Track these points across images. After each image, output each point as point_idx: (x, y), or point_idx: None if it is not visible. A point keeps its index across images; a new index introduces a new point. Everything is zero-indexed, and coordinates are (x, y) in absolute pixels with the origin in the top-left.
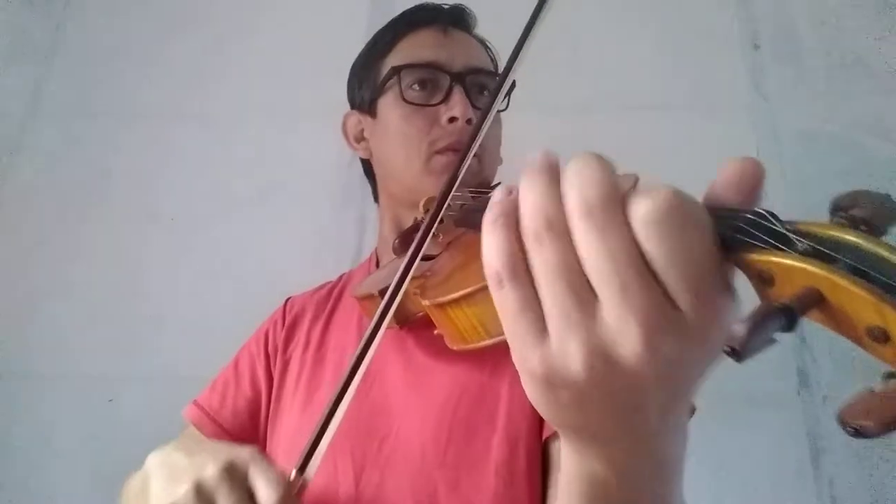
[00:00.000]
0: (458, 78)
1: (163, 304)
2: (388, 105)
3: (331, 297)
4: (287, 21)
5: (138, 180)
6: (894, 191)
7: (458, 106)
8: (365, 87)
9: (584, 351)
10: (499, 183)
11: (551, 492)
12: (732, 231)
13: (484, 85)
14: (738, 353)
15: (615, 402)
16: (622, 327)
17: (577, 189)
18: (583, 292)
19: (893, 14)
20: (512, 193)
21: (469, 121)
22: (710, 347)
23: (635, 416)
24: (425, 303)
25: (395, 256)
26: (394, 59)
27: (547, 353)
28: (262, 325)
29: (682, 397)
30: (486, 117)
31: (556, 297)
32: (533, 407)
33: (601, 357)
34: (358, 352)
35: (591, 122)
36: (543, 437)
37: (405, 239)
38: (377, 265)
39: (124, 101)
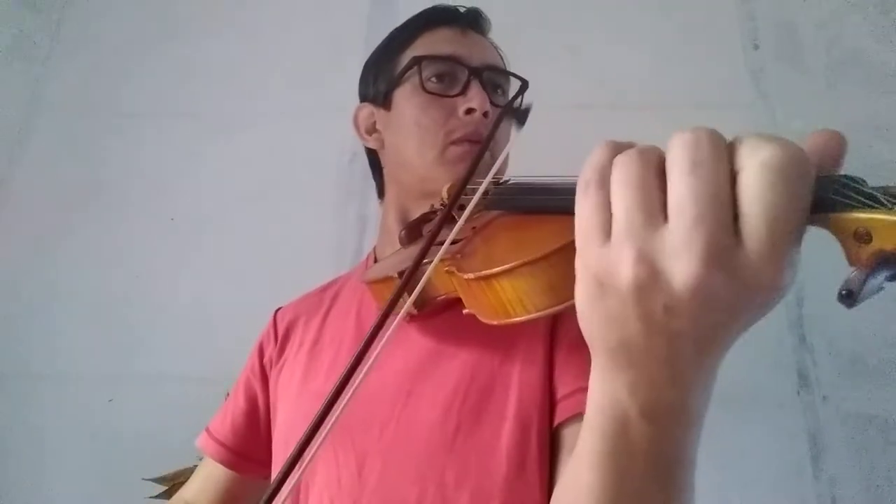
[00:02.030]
0: (476, 72)
1: (163, 304)
2: (405, 96)
3: (325, 297)
4: (287, 21)
5: (138, 180)
6: None
7: (476, 98)
8: (381, 80)
9: (634, 256)
10: (508, 179)
11: (561, 470)
12: (833, 192)
13: (499, 83)
14: (852, 296)
15: (652, 321)
16: (682, 251)
17: (689, 132)
18: (652, 209)
19: (893, 14)
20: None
21: (486, 114)
22: (758, 299)
23: (670, 344)
24: (468, 276)
25: (399, 247)
26: (413, 52)
27: (604, 253)
28: (255, 341)
29: (717, 342)
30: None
31: (625, 204)
32: (544, 395)
33: (649, 267)
34: (376, 321)
35: (592, 121)
36: (555, 424)
37: (412, 229)
38: (375, 261)
39: (124, 100)
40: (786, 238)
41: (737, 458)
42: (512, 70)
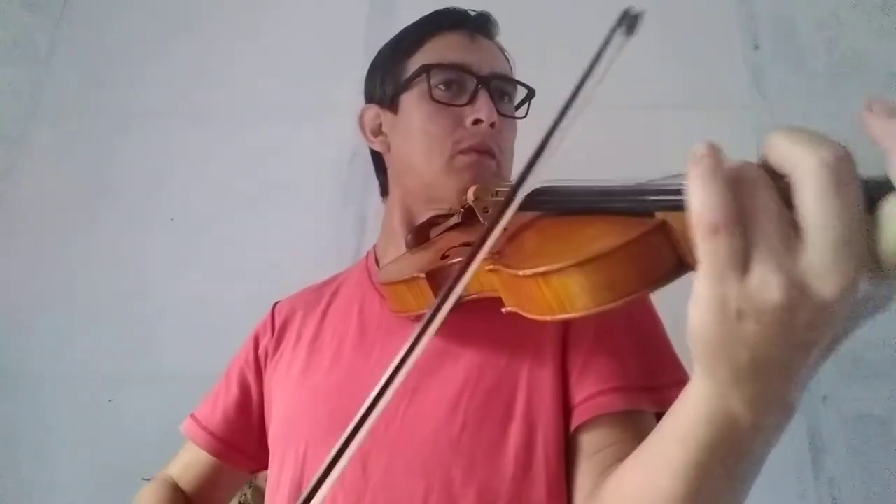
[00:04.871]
0: (485, 81)
1: (163, 304)
2: (413, 102)
3: (324, 293)
4: (287, 21)
5: (138, 180)
6: None
7: (483, 109)
8: (388, 83)
9: (784, 283)
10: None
11: (579, 477)
12: None
13: (506, 91)
14: None
15: (792, 336)
16: (830, 270)
17: (829, 149)
18: (788, 233)
19: (893, 14)
20: (716, 148)
21: (493, 124)
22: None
23: (802, 355)
24: (524, 272)
25: (403, 250)
26: (422, 58)
27: (746, 287)
28: (250, 332)
29: (841, 342)
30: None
31: (766, 235)
32: (553, 398)
33: (799, 289)
34: (416, 333)
35: (591, 121)
36: (573, 426)
37: (419, 233)
38: (376, 262)
39: (124, 101)
40: None
41: None
42: (514, 69)
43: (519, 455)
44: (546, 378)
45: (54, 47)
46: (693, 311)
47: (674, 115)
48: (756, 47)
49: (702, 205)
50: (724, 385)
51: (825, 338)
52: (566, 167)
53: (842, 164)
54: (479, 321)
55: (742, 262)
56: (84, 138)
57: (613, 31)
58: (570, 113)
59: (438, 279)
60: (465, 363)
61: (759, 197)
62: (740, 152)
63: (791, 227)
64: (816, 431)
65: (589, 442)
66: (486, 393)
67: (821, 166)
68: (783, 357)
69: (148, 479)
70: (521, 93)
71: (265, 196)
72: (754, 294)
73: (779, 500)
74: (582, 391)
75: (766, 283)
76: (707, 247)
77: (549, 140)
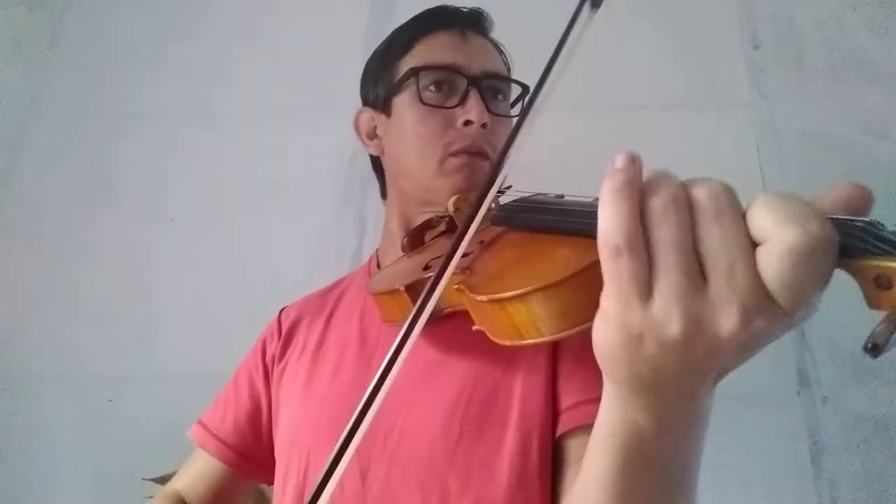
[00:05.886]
0: (475, 81)
1: (163, 304)
2: (404, 105)
3: (329, 299)
4: (287, 21)
5: (138, 180)
6: (893, 190)
7: (474, 110)
8: (380, 86)
9: (684, 317)
10: (510, 186)
11: (564, 484)
12: (855, 239)
13: (499, 89)
14: (879, 349)
15: (691, 362)
16: (723, 305)
17: (706, 184)
18: (693, 267)
19: (893, 14)
20: (635, 163)
21: (484, 125)
22: (791, 326)
23: (700, 374)
24: (480, 298)
25: (402, 253)
26: (411, 60)
27: (649, 315)
28: (258, 338)
29: (743, 361)
30: (517, 132)
31: (670, 267)
32: (546, 404)
33: (697, 325)
34: (394, 347)
35: (592, 121)
36: (558, 434)
37: (414, 237)
38: (378, 265)
39: (124, 101)
40: (810, 298)
41: (737, 458)
42: (512, 65)
43: (514, 463)
44: (539, 384)
45: (54, 47)
46: (598, 324)
47: (674, 115)
48: (756, 47)
49: (606, 224)
50: (625, 392)
51: (724, 363)
52: (566, 167)
53: (720, 196)
54: (476, 333)
55: (645, 289)
56: (84, 138)
57: (580, 6)
58: (534, 113)
59: (418, 291)
60: (460, 373)
61: (667, 227)
62: (740, 152)
63: (697, 261)
64: (816, 431)
65: (572, 449)
66: (481, 402)
67: (706, 195)
68: (681, 377)
69: (147, 480)
70: (516, 90)
71: (265, 196)
72: (654, 323)
73: (779, 500)
74: (567, 398)
75: (667, 314)
76: (609, 267)
77: (511, 144)
